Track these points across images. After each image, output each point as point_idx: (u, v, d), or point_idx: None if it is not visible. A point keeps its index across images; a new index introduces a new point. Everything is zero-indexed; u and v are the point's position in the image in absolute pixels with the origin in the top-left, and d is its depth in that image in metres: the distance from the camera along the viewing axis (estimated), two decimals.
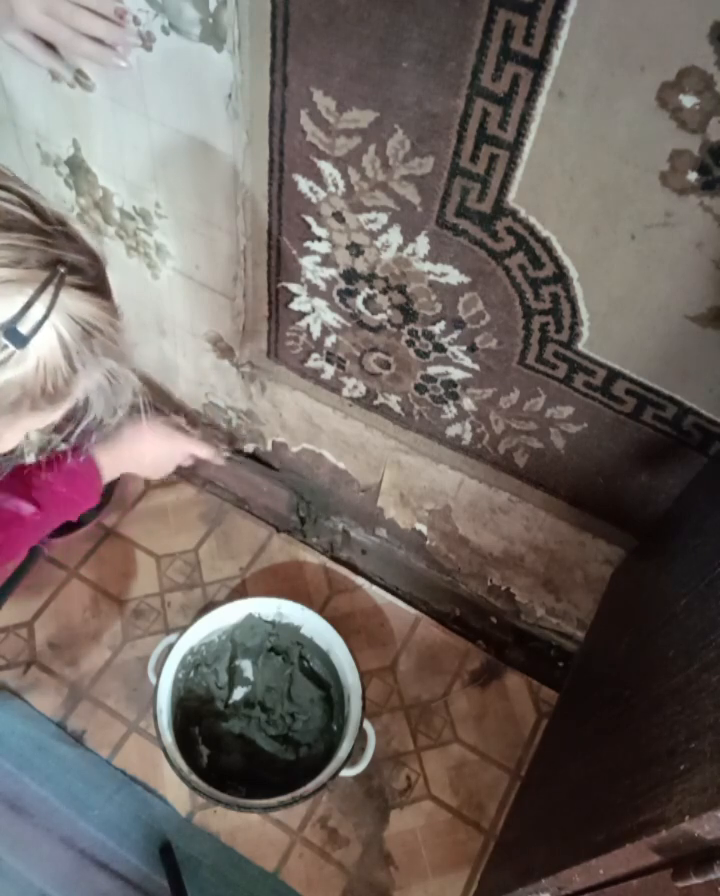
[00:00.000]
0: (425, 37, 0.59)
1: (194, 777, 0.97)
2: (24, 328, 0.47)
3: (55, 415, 0.56)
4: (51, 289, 0.48)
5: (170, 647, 1.07)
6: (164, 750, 0.99)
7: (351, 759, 1.00)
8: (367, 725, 1.05)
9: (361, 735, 1.03)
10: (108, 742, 1.12)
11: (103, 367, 0.56)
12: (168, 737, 1.00)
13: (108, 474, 0.98)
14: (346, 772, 1.01)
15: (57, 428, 0.61)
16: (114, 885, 1.02)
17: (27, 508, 0.86)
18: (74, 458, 0.94)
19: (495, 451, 0.94)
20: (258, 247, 0.88)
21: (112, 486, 1.27)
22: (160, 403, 1.31)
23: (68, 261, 0.49)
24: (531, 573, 1.10)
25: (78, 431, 0.61)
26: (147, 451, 1.05)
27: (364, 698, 1.04)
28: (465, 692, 1.20)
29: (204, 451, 1.13)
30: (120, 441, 1.01)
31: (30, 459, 1.09)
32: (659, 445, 0.79)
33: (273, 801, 0.97)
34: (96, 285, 0.52)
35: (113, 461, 0.99)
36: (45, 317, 0.48)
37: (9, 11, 0.71)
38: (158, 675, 1.04)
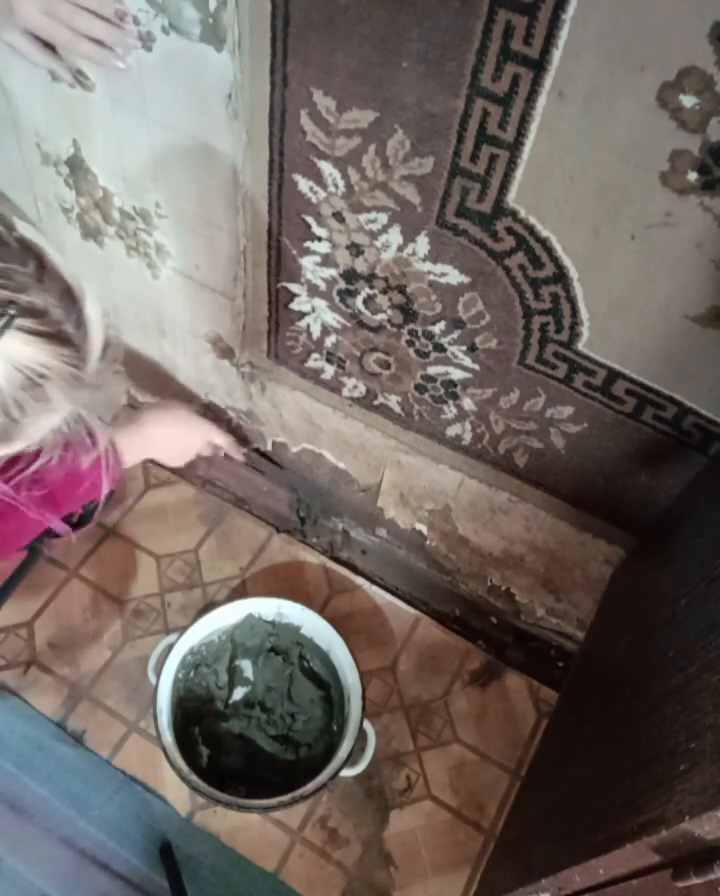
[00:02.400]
0: (425, 37, 0.59)
1: (194, 777, 0.97)
2: None
3: None
4: None
5: (170, 647, 1.07)
6: (164, 750, 0.99)
7: (351, 759, 1.00)
8: (367, 725, 1.05)
9: (361, 735, 1.03)
10: (108, 742, 1.12)
11: (62, 413, 0.52)
12: (168, 737, 1.00)
13: (130, 458, 0.93)
14: (346, 772, 1.01)
15: (3, 468, 0.58)
16: (114, 885, 1.02)
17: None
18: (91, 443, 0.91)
19: (495, 451, 0.94)
20: (258, 247, 0.88)
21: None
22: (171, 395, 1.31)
23: (22, 304, 0.47)
24: (531, 573, 1.10)
25: (29, 471, 0.57)
26: (170, 435, 1.01)
27: (364, 698, 1.04)
28: (465, 692, 1.20)
29: (227, 440, 1.10)
30: (141, 424, 0.97)
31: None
32: (659, 445, 0.79)
33: (273, 801, 0.97)
34: (57, 331, 0.49)
35: (134, 445, 0.94)
36: None
37: (9, 11, 0.71)
38: (158, 675, 1.04)
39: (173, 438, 1.02)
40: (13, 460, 0.57)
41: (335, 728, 1.09)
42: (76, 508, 0.92)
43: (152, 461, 1.01)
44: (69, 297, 0.50)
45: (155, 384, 1.27)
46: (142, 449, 0.97)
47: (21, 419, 0.49)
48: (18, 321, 0.46)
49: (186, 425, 1.04)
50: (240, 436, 1.23)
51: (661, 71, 0.53)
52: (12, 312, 0.46)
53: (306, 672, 1.16)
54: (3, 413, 0.48)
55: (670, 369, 0.72)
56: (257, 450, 1.25)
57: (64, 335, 0.50)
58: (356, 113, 0.68)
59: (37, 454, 0.55)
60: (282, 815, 1.08)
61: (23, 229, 0.50)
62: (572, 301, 0.71)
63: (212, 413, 1.18)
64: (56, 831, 1.05)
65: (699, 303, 0.64)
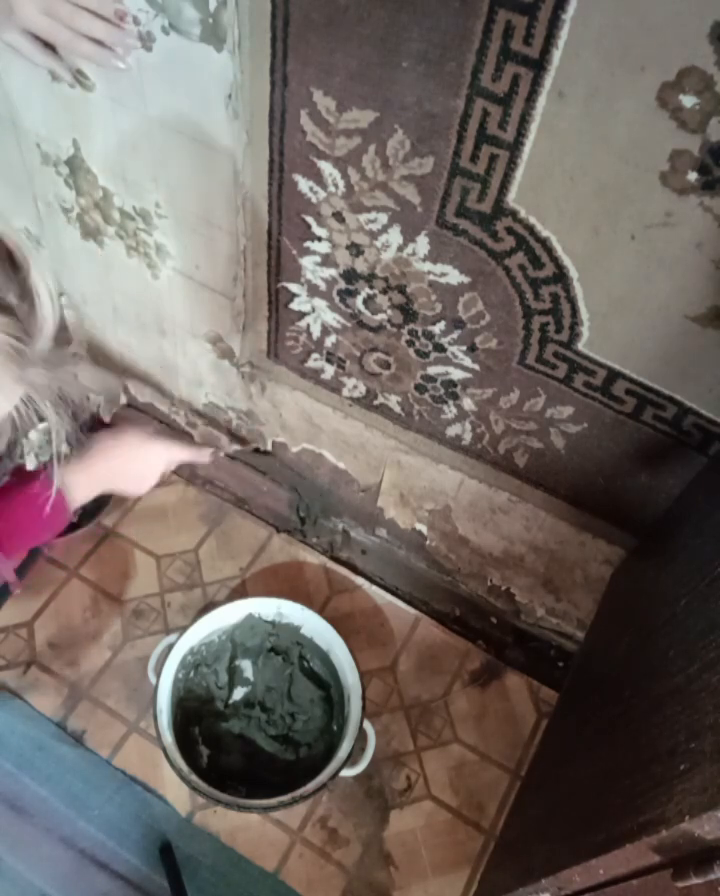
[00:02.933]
0: (425, 37, 0.59)
1: (194, 777, 0.97)
2: None
3: None
4: None
5: (170, 647, 1.07)
6: (164, 750, 0.99)
7: (351, 759, 1.00)
8: (367, 725, 1.05)
9: (361, 735, 1.03)
10: (108, 742, 1.12)
11: (11, 396, 0.48)
12: (168, 737, 1.00)
13: (80, 494, 0.87)
14: (346, 772, 1.01)
15: None
16: (114, 885, 1.02)
17: None
18: (30, 481, 0.83)
19: (495, 451, 0.94)
20: (258, 247, 0.88)
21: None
22: (159, 402, 1.31)
23: None
24: (531, 573, 1.10)
25: None
26: (121, 465, 0.93)
27: (364, 698, 1.04)
28: (465, 692, 1.20)
29: (190, 454, 1.03)
30: (91, 455, 0.89)
31: (30, 462, 1.06)
32: (659, 445, 0.79)
33: (273, 801, 0.97)
34: None
35: (87, 479, 0.88)
36: None
37: (8, 11, 0.71)
38: (158, 675, 1.04)
39: (125, 467, 0.94)
40: None
41: (335, 728, 1.09)
42: (22, 551, 0.84)
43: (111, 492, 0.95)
44: (9, 263, 0.47)
45: (155, 385, 1.27)
46: (93, 484, 0.89)
47: None
48: None
49: (138, 450, 0.95)
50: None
51: (661, 71, 0.53)
52: None
53: (306, 672, 1.16)
54: None
55: (670, 369, 0.72)
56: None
57: (3, 303, 0.46)
58: (356, 113, 0.68)
59: None
60: (282, 815, 1.08)
61: None
62: (572, 301, 0.71)
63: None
64: (56, 831, 1.05)
65: (699, 303, 0.64)
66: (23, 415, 0.51)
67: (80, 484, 0.87)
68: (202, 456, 1.07)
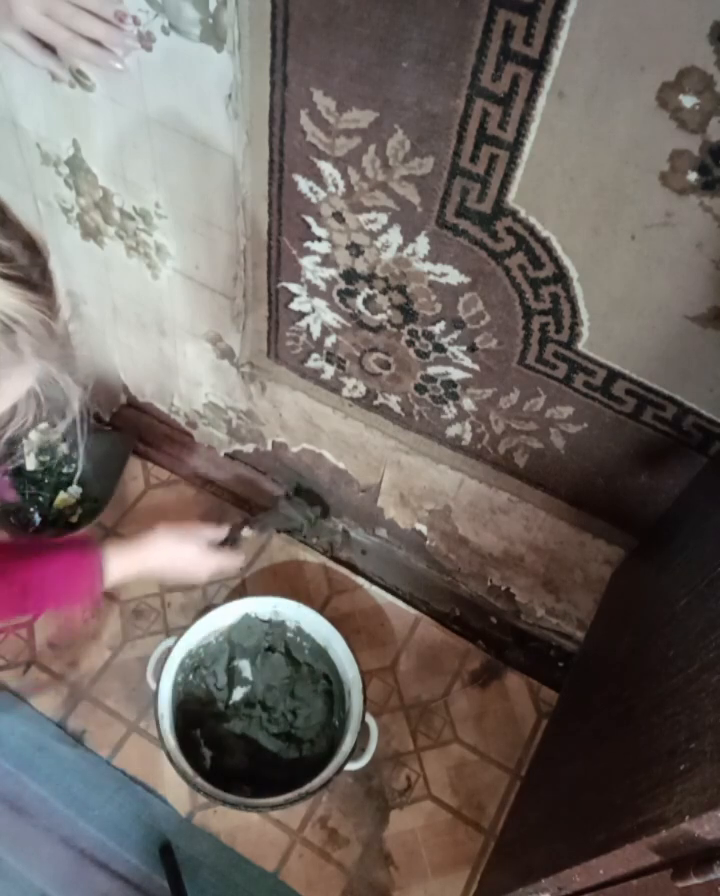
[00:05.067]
0: (425, 37, 0.59)
1: (200, 780, 0.97)
2: None
3: None
4: None
5: (168, 651, 1.07)
6: (168, 755, 0.98)
7: (354, 754, 1.01)
8: (369, 719, 1.05)
9: (363, 729, 1.03)
10: (108, 742, 1.12)
11: (33, 371, 0.50)
12: (171, 741, 1.00)
13: (113, 577, 0.87)
14: (350, 766, 1.01)
15: None
16: (114, 885, 1.02)
17: None
18: (74, 551, 0.85)
19: (495, 451, 0.94)
20: (258, 247, 0.88)
21: (112, 486, 1.26)
22: (159, 401, 1.31)
23: None
24: (531, 573, 1.10)
25: (3, 439, 0.54)
26: (171, 566, 0.95)
27: (365, 692, 1.04)
28: (465, 692, 1.20)
29: (232, 566, 1.05)
30: (144, 546, 0.91)
31: (30, 462, 1.06)
32: (659, 445, 0.79)
33: (279, 799, 0.97)
34: (25, 276, 0.47)
35: (127, 565, 0.89)
36: None
37: (8, 11, 0.71)
38: (157, 680, 1.04)
39: (174, 568, 0.97)
40: None
41: (336, 723, 1.09)
42: (44, 606, 0.86)
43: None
44: (33, 247, 0.49)
45: (155, 385, 1.27)
46: (133, 567, 0.90)
47: None
48: None
49: (190, 562, 0.98)
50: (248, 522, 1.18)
51: (661, 71, 0.53)
52: None
53: (305, 668, 1.16)
54: None
55: (670, 369, 0.72)
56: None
57: (33, 281, 0.48)
58: (356, 113, 0.68)
59: (4, 421, 0.53)
60: (282, 815, 1.08)
61: None
62: (572, 301, 0.71)
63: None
64: (56, 831, 1.04)
65: (699, 303, 0.64)
66: (46, 392, 0.53)
67: (122, 567, 0.88)
68: (236, 564, 1.08)
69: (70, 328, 0.52)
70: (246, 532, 1.12)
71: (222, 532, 1.04)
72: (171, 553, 0.94)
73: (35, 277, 0.48)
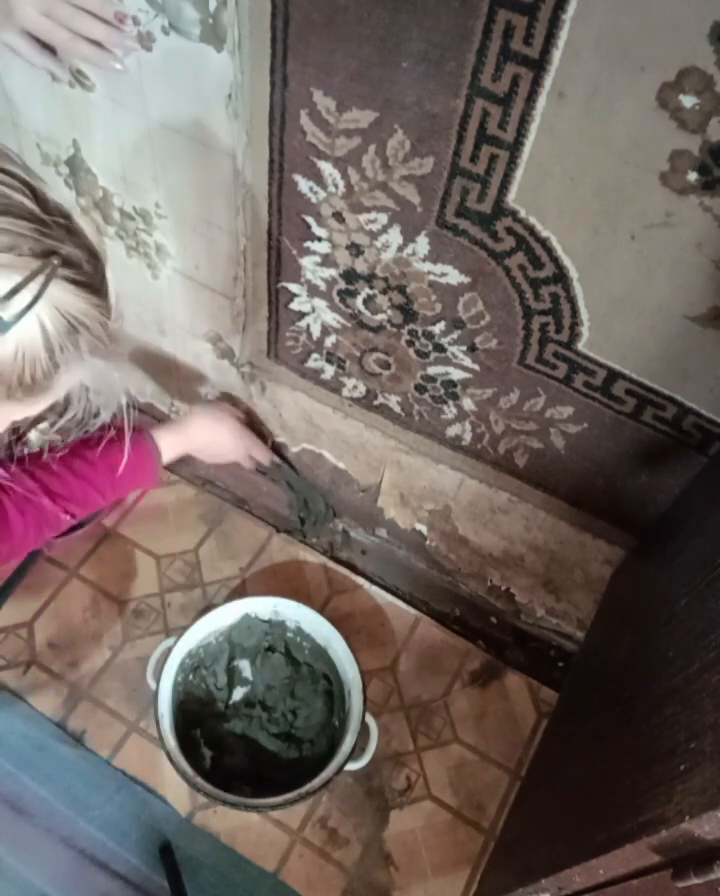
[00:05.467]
0: (425, 37, 0.59)
1: (200, 780, 0.97)
2: (6, 314, 0.47)
3: (33, 408, 0.55)
4: (41, 279, 0.47)
5: (168, 651, 1.07)
6: (168, 755, 0.98)
7: (354, 754, 1.01)
8: (369, 719, 1.05)
9: (363, 729, 1.03)
10: (108, 742, 1.12)
11: (89, 366, 0.55)
12: (171, 742, 1.00)
13: (169, 454, 0.99)
14: (351, 766, 1.01)
15: (35, 421, 0.61)
16: (114, 885, 1.02)
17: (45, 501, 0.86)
18: (121, 438, 0.92)
19: (495, 451, 0.94)
20: (258, 247, 0.88)
21: None
22: (159, 401, 1.31)
23: (63, 254, 0.49)
24: (531, 573, 1.10)
25: (55, 428, 0.61)
26: (215, 440, 1.06)
27: (365, 692, 1.04)
28: (465, 692, 1.20)
29: (263, 453, 1.15)
30: (190, 424, 1.02)
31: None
32: (659, 445, 0.79)
33: (279, 799, 0.97)
34: (90, 282, 0.52)
35: (179, 441, 1.00)
36: (30, 305, 0.47)
37: (7, 11, 0.71)
38: (157, 680, 1.04)
39: (217, 444, 1.07)
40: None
41: (336, 723, 1.09)
42: (121, 493, 0.97)
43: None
44: (94, 254, 0.53)
45: (155, 385, 1.27)
46: (184, 445, 1.01)
47: (62, 366, 0.52)
48: (61, 270, 0.49)
49: (233, 433, 1.08)
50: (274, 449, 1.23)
51: (661, 71, 0.53)
52: (55, 262, 0.48)
53: (305, 668, 1.16)
54: (48, 356, 0.50)
55: (670, 369, 0.72)
56: (285, 460, 1.25)
57: (95, 286, 0.52)
58: (356, 113, 0.68)
59: (59, 410, 0.59)
60: (282, 815, 1.08)
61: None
62: (572, 301, 0.71)
63: (255, 424, 1.18)
64: (56, 831, 1.05)
65: (699, 303, 0.64)
66: (98, 385, 0.58)
67: (174, 444, 0.99)
68: (266, 458, 1.17)
69: (120, 327, 0.56)
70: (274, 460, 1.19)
71: (243, 416, 1.14)
72: (211, 429, 1.06)
73: (97, 282, 0.53)
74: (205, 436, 1.05)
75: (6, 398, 0.51)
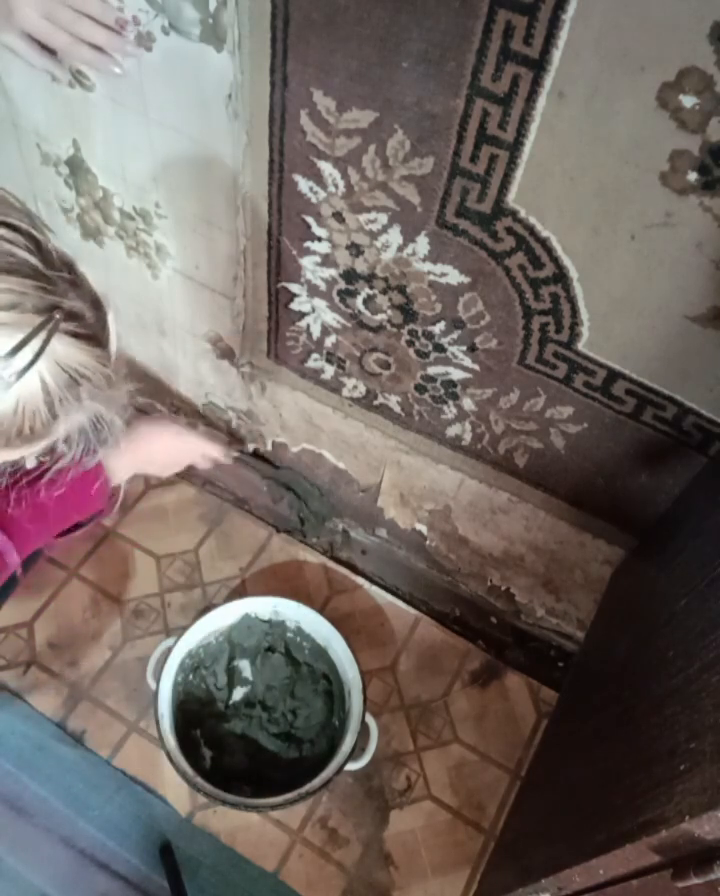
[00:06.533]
0: (425, 37, 0.59)
1: (200, 780, 0.97)
2: (8, 372, 0.47)
3: (29, 452, 0.55)
4: (42, 335, 0.47)
5: (168, 651, 1.07)
6: (168, 755, 0.99)
7: (354, 754, 1.01)
8: (369, 719, 1.05)
9: (363, 729, 1.03)
10: (108, 742, 1.12)
11: (87, 412, 0.55)
12: (171, 742, 1.00)
13: (119, 476, 0.96)
14: (351, 766, 1.01)
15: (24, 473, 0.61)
16: (114, 885, 1.02)
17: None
18: (77, 466, 0.93)
19: (495, 451, 0.94)
20: (258, 247, 0.88)
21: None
22: (159, 401, 1.31)
23: (65, 308, 0.49)
24: (531, 573, 1.10)
25: (51, 470, 0.61)
26: (159, 450, 1.04)
27: (365, 692, 1.04)
28: (465, 692, 1.20)
29: (215, 450, 1.12)
30: (132, 441, 0.99)
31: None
32: (659, 445, 0.79)
33: (279, 799, 0.97)
34: (92, 333, 0.52)
35: (126, 463, 0.97)
36: (31, 363, 0.47)
37: (8, 12, 0.71)
38: (157, 680, 1.04)
39: (163, 453, 1.04)
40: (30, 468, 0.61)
41: (336, 723, 1.10)
42: (69, 523, 0.94)
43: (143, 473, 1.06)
44: (97, 304, 0.53)
45: (155, 385, 1.27)
46: (133, 465, 0.98)
47: (61, 416, 0.52)
48: (63, 324, 0.49)
49: (176, 439, 1.06)
50: (237, 437, 1.23)
51: (661, 71, 0.53)
52: (57, 316, 0.48)
53: (305, 668, 1.16)
54: (48, 410, 0.51)
55: (670, 369, 0.72)
56: (243, 451, 1.25)
57: (97, 337, 0.53)
58: (356, 113, 0.68)
59: (56, 452, 0.58)
60: (282, 815, 1.08)
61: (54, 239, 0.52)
62: (572, 301, 0.71)
63: (204, 420, 1.17)
64: (56, 831, 1.05)
65: (699, 303, 0.64)
66: (96, 427, 0.58)
67: (122, 468, 0.96)
68: (226, 456, 1.15)
69: (120, 369, 0.57)
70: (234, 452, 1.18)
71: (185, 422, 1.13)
72: (152, 438, 1.02)
73: (98, 332, 0.53)
74: (148, 446, 1.02)
75: (4, 447, 0.51)
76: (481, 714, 1.18)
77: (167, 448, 1.05)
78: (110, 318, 0.55)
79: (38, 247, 0.49)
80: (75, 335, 0.50)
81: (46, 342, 0.48)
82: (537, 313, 0.74)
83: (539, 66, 0.56)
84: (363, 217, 0.76)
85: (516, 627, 1.22)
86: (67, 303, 0.50)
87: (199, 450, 1.10)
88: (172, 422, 1.08)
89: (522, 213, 0.67)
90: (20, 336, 0.47)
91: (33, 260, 0.48)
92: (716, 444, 0.75)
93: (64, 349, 0.50)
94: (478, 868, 1.06)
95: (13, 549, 0.84)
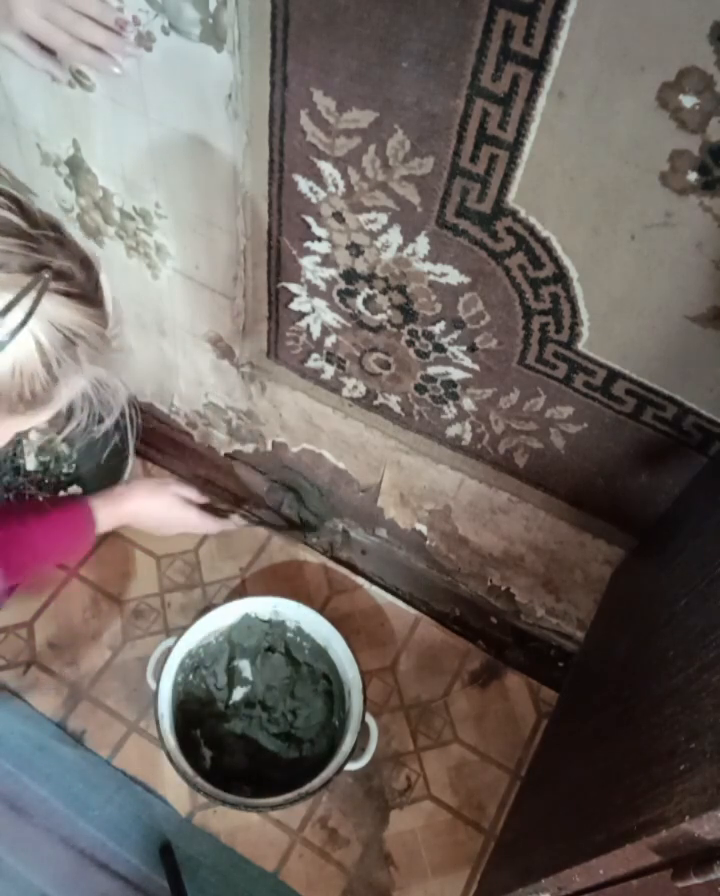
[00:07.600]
0: (425, 37, 0.59)
1: (200, 780, 0.97)
2: (0, 333, 0.47)
3: (35, 420, 0.55)
4: (32, 295, 0.47)
5: (168, 651, 1.07)
6: (168, 754, 0.98)
7: (354, 754, 1.01)
8: (369, 719, 1.05)
9: (363, 729, 1.03)
10: (108, 742, 1.12)
11: (89, 375, 0.55)
12: (171, 741, 1.00)
13: (104, 525, 0.96)
14: (351, 766, 1.01)
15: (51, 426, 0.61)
16: (114, 885, 1.02)
17: None
18: (65, 506, 0.93)
19: (495, 451, 0.94)
20: (258, 247, 0.88)
21: (112, 486, 1.26)
22: (159, 401, 1.31)
23: (54, 267, 0.49)
24: (531, 573, 1.10)
25: (61, 437, 0.61)
26: (148, 514, 1.02)
27: (365, 692, 1.04)
28: (465, 692, 1.20)
29: (215, 528, 1.10)
30: (126, 499, 0.99)
31: (30, 462, 1.09)
32: (659, 445, 0.79)
33: (279, 799, 0.97)
34: (84, 292, 0.52)
35: (115, 513, 0.97)
36: (23, 323, 0.47)
37: (7, 13, 0.71)
38: (157, 680, 1.04)
39: (149, 515, 1.03)
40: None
41: (336, 723, 1.09)
42: (53, 559, 0.96)
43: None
44: (86, 263, 0.53)
45: (155, 385, 1.27)
46: (116, 517, 0.98)
47: (61, 379, 0.52)
48: (53, 284, 0.48)
49: (164, 507, 1.04)
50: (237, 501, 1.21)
51: (661, 71, 0.53)
52: (47, 275, 0.48)
53: (305, 668, 1.16)
54: (46, 371, 0.50)
55: (670, 369, 0.72)
56: (255, 515, 1.24)
57: (89, 296, 0.52)
58: (356, 113, 0.68)
59: (63, 420, 0.59)
60: (282, 815, 1.08)
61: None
62: (572, 301, 0.71)
63: (209, 496, 1.14)
64: (56, 831, 1.05)
65: (699, 303, 0.64)
66: (98, 394, 0.58)
67: (110, 516, 0.96)
68: (215, 528, 1.12)
69: (119, 332, 0.56)
70: (237, 520, 1.15)
71: (195, 493, 1.09)
72: (146, 503, 1.01)
73: (90, 292, 0.53)
74: (139, 508, 1.00)
75: (8, 413, 0.51)
76: (481, 714, 1.18)
77: (158, 513, 1.03)
78: (103, 278, 0.54)
79: (21, 207, 0.49)
80: (67, 294, 0.50)
81: (37, 301, 0.47)
82: (537, 313, 0.74)
83: (539, 66, 0.56)
84: (363, 217, 0.76)
85: (516, 627, 1.22)
86: (55, 262, 0.49)
87: (190, 526, 1.07)
88: (171, 495, 1.04)
89: (522, 213, 0.67)
90: (9, 296, 0.46)
91: (16, 220, 0.48)
92: (716, 444, 0.75)
93: (56, 309, 0.49)
94: (478, 868, 1.06)
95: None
